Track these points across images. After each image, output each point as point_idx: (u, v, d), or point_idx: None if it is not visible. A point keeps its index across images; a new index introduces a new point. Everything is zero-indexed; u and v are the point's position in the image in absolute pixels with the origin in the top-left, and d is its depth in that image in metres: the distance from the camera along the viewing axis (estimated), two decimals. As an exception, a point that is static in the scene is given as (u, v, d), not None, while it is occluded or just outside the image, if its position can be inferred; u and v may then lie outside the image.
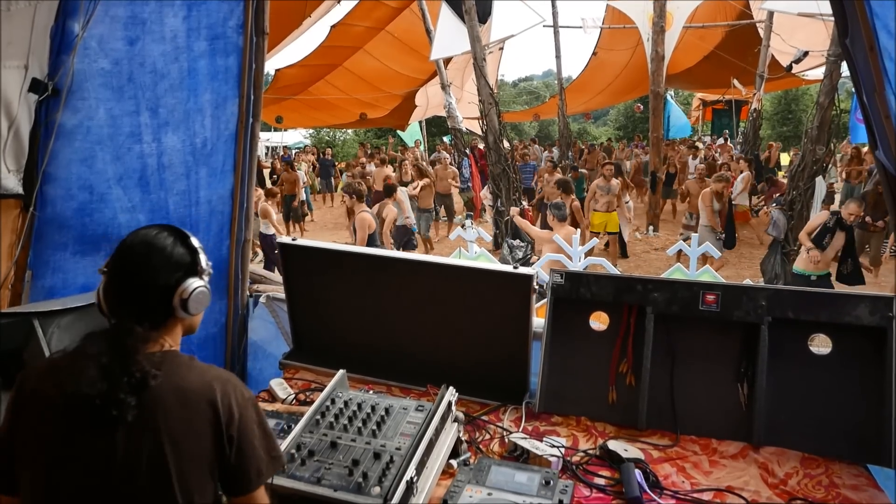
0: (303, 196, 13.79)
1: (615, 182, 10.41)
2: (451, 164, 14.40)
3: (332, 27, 17.98)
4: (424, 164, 14.17)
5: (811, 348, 2.19)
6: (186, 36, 2.61)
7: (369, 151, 18.96)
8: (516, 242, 8.82)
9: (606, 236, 10.40)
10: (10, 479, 1.37)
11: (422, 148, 21.77)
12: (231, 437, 1.39)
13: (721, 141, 21.01)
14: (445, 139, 22.80)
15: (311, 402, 2.37)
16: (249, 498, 1.45)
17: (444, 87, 14.44)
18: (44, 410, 1.35)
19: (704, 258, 8.67)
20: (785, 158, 18.67)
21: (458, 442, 2.04)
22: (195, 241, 1.52)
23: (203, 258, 1.51)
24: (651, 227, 12.90)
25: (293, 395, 2.54)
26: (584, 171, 14.12)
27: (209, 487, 1.39)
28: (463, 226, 5.70)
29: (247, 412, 1.43)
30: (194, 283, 1.46)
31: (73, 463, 1.32)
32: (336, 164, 20.85)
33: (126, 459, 1.32)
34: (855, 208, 6.50)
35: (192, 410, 1.36)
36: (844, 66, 8.99)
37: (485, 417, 2.36)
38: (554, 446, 2.08)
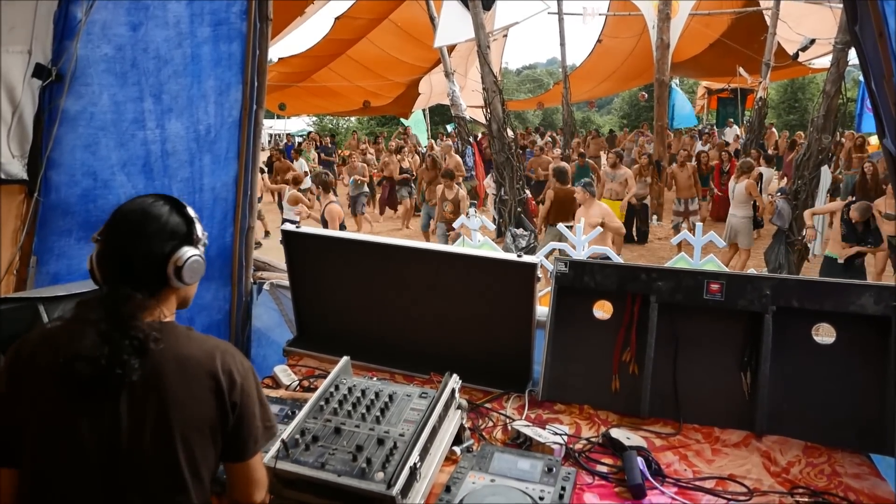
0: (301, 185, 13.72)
1: (623, 170, 10.34)
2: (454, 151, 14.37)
3: (337, 19, 17.88)
4: (437, 153, 13.87)
5: (815, 337, 2.19)
6: (190, 21, 2.60)
7: (362, 140, 18.83)
8: (519, 231, 8.83)
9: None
10: (12, 451, 1.36)
11: (423, 140, 21.67)
12: (234, 404, 1.41)
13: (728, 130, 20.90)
14: (449, 127, 22.74)
15: (315, 389, 2.38)
16: (246, 465, 1.47)
17: (447, 74, 14.36)
18: (44, 378, 1.34)
19: (735, 247, 8.72)
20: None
21: (462, 429, 2.05)
22: (191, 211, 1.51)
23: (199, 228, 1.51)
24: (655, 216, 12.87)
25: (297, 382, 2.55)
26: (589, 160, 14.06)
27: (211, 454, 1.41)
28: (467, 214, 5.69)
29: (247, 381, 1.45)
30: (189, 252, 1.45)
31: (77, 429, 1.32)
32: (339, 151, 20.78)
33: (130, 424, 1.33)
34: (857, 216, 6.66)
35: (194, 378, 1.37)
36: (851, 54, 8.93)
37: (488, 405, 2.37)
38: (557, 434, 2.08)
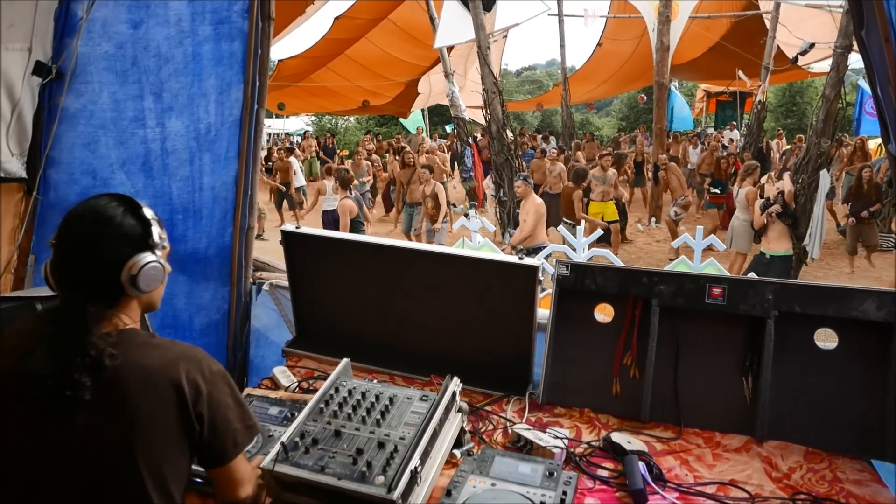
0: (297, 183, 13.66)
1: (611, 172, 10.44)
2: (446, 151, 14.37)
3: (336, 19, 17.88)
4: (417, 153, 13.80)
5: (817, 343, 2.18)
6: (191, 20, 2.58)
7: (371, 144, 18.80)
8: (518, 232, 8.81)
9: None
10: None
11: (424, 135, 21.63)
12: (200, 415, 1.35)
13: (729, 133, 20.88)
14: (448, 128, 22.72)
15: (314, 391, 2.37)
16: (227, 469, 1.44)
17: (447, 75, 14.36)
18: None
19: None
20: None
21: (462, 432, 2.04)
22: (148, 212, 1.42)
23: (157, 230, 1.41)
24: (654, 219, 12.88)
25: (296, 383, 2.53)
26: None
27: (182, 465, 1.37)
28: (466, 215, 5.68)
29: (216, 387, 1.39)
30: (145, 258, 1.36)
31: (30, 447, 1.27)
32: (338, 151, 20.77)
33: (88, 442, 1.27)
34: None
35: (156, 390, 1.31)
36: (851, 58, 8.95)
37: (488, 408, 2.36)
38: (557, 437, 2.07)
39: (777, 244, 7.33)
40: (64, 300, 1.34)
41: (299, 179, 13.64)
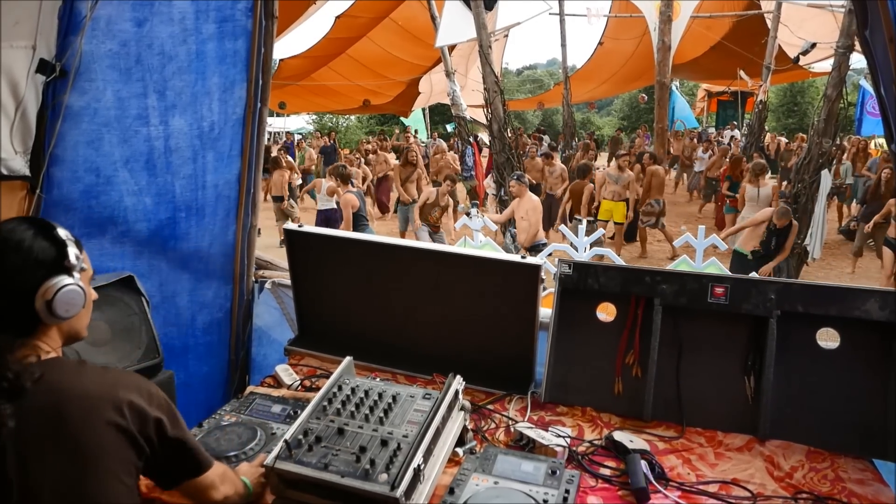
0: (297, 181, 13.58)
1: (628, 173, 10.34)
2: (454, 151, 14.33)
3: (337, 18, 17.88)
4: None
5: (819, 342, 2.19)
6: (195, 18, 2.58)
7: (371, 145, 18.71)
8: (520, 231, 8.81)
9: (613, 226, 10.36)
10: None
11: (422, 136, 21.56)
12: (149, 438, 1.31)
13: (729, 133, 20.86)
14: (449, 126, 22.71)
15: (317, 389, 2.37)
16: (188, 485, 1.44)
17: (448, 74, 14.35)
18: None
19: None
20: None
21: (465, 430, 2.04)
22: (63, 233, 1.34)
23: (73, 251, 1.33)
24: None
25: (298, 382, 2.54)
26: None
27: (128, 491, 1.30)
28: (468, 214, 5.68)
29: (158, 410, 1.34)
30: (61, 282, 1.28)
31: None
32: (339, 149, 20.76)
33: (28, 477, 1.19)
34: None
35: (97, 417, 1.24)
36: (853, 58, 8.94)
37: (490, 406, 2.36)
38: (560, 436, 2.08)
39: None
40: None
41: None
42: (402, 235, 10.64)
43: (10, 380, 1.17)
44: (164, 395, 1.39)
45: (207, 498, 1.52)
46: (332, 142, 19.61)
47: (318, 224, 9.57)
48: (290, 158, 14.27)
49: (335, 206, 9.45)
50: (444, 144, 15.88)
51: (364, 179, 13.58)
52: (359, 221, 8.32)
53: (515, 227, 8.67)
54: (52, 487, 1.20)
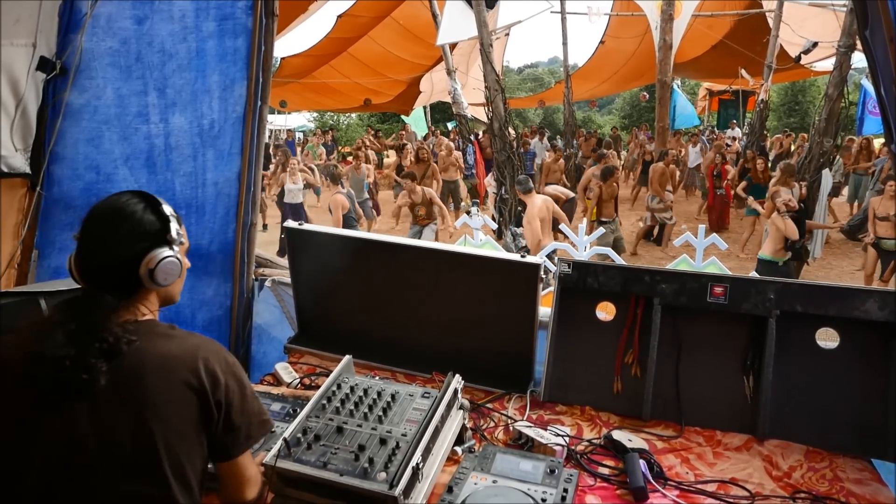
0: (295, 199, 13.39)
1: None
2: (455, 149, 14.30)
3: (339, 17, 17.86)
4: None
5: (818, 342, 2.19)
6: (195, 16, 2.58)
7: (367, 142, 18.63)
8: (519, 230, 8.82)
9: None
10: None
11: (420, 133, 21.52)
12: (219, 402, 1.38)
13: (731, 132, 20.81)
14: (450, 125, 22.71)
15: (316, 387, 2.38)
16: (235, 464, 1.45)
17: (449, 72, 14.34)
18: (11, 379, 1.32)
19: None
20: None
21: (464, 429, 2.04)
22: (168, 209, 1.47)
23: (175, 227, 1.46)
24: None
25: (298, 380, 2.54)
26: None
27: (197, 454, 1.38)
28: (468, 213, 5.67)
29: (232, 378, 1.42)
30: (162, 253, 1.41)
31: (41, 430, 1.29)
32: (339, 147, 20.76)
33: (106, 430, 1.29)
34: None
35: (174, 377, 1.34)
36: (854, 57, 8.94)
37: (489, 405, 2.36)
38: (558, 435, 2.08)
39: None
40: (83, 290, 1.39)
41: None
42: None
43: (109, 342, 1.29)
44: (240, 368, 1.47)
45: (241, 489, 1.51)
46: (331, 140, 19.61)
47: (283, 217, 9.82)
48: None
49: (301, 201, 9.71)
50: (451, 143, 15.87)
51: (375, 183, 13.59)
52: (348, 223, 8.33)
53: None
54: (127, 441, 1.29)
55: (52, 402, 1.29)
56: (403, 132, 20.85)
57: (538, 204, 7.45)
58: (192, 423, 1.36)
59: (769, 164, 12.05)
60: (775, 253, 7.02)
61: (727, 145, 16.23)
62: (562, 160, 13.58)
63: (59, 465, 1.29)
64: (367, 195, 11.76)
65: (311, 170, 13.16)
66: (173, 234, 1.45)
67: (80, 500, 1.30)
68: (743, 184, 11.22)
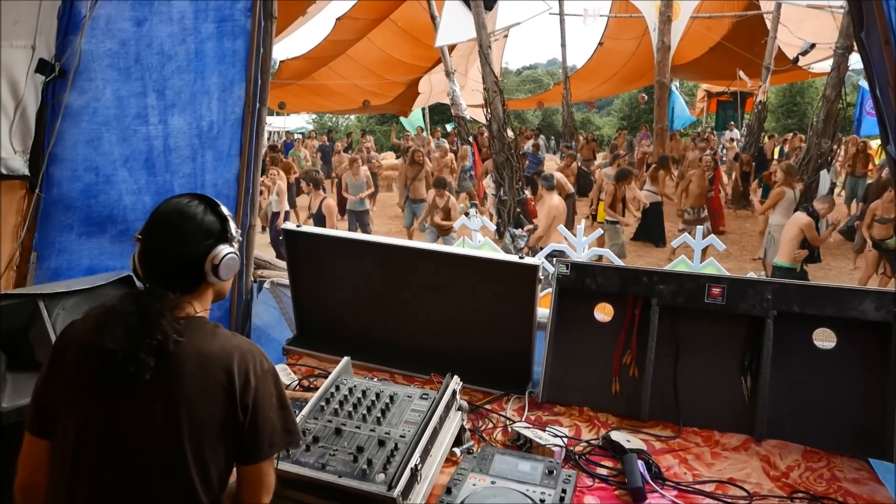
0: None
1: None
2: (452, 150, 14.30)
3: (338, 20, 17.87)
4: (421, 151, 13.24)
5: (815, 342, 2.19)
6: (194, 17, 2.59)
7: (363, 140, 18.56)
8: (518, 231, 8.82)
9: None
10: (46, 424, 1.42)
11: (424, 134, 21.50)
12: (245, 406, 1.42)
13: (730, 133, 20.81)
14: (448, 126, 22.72)
15: (315, 388, 2.38)
16: (257, 468, 1.47)
17: (448, 74, 14.36)
18: (77, 360, 1.41)
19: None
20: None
21: (462, 430, 2.05)
22: (224, 210, 1.56)
23: (232, 225, 1.57)
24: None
25: (297, 381, 2.54)
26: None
27: (221, 453, 1.42)
28: (467, 214, 5.68)
29: (264, 383, 1.46)
30: (225, 250, 1.50)
31: (99, 413, 1.37)
32: (337, 146, 20.70)
33: (141, 417, 1.36)
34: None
35: (209, 375, 1.39)
36: (852, 58, 8.96)
37: (488, 406, 2.37)
38: (557, 436, 2.09)
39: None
40: (147, 287, 1.47)
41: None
42: (408, 231, 10.73)
43: (159, 340, 1.36)
44: (276, 375, 1.51)
45: (259, 493, 1.51)
46: (329, 141, 19.58)
47: (272, 232, 9.65)
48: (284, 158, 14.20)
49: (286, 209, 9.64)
50: (447, 145, 15.85)
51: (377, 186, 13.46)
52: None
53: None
54: (160, 429, 1.36)
55: (106, 387, 1.37)
56: (408, 134, 20.73)
57: (555, 202, 7.49)
58: (219, 423, 1.40)
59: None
60: (794, 260, 6.95)
61: (724, 148, 16.22)
62: (574, 164, 13.49)
63: (98, 451, 1.36)
64: (366, 205, 11.00)
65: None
66: (232, 232, 1.55)
67: (112, 485, 1.36)
68: (760, 190, 11.03)
